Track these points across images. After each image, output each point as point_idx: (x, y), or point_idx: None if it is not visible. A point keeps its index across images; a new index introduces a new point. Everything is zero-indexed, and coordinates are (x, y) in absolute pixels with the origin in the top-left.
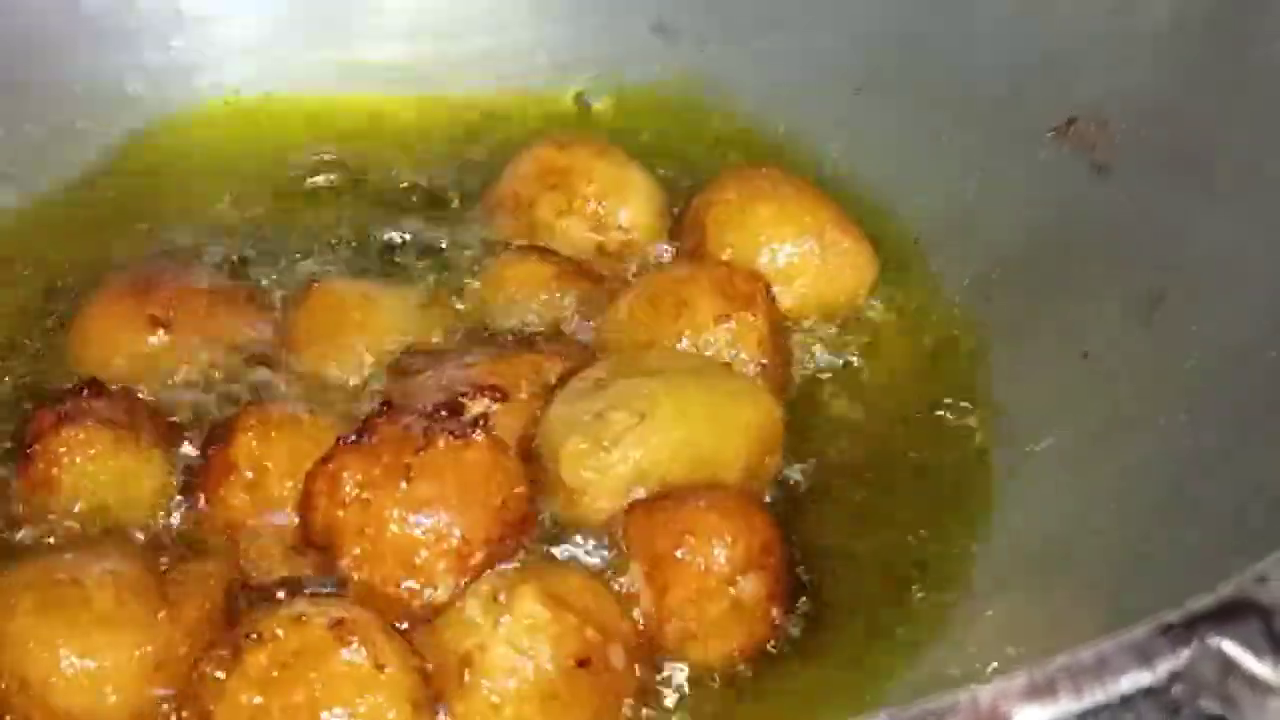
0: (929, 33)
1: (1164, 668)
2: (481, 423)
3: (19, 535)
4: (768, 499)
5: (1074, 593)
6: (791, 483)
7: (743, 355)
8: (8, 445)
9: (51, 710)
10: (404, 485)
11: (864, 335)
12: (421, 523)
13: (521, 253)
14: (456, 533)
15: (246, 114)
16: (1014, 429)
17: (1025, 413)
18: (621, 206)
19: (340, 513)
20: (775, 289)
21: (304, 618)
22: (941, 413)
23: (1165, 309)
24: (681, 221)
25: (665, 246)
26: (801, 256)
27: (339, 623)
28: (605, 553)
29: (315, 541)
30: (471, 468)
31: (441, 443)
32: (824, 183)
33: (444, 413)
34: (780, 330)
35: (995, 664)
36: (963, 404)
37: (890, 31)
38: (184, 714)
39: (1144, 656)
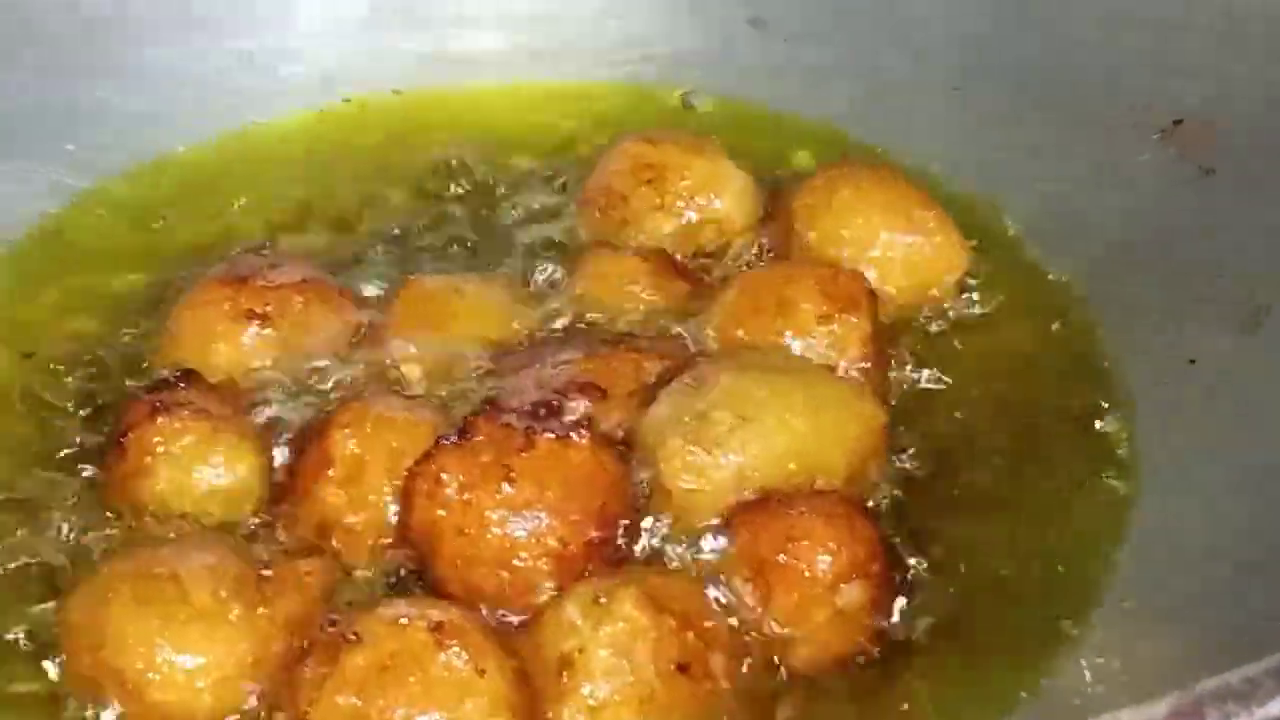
0: (1030, 30)
1: None
2: (584, 423)
3: (111, 527)
4: (874, 503)
5: (1197, 606)
6: (898, 488)
7: (845, 357)
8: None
9: (146, 705)
10: (505, 486)
11: (967, 334)
12: (522, 524)
13: (615, 249)
14: (557, 535)
15: (333, 106)
16: (1130, 432)
17: (1133, 417)
18: (715, 201)
19: (440, 513)
20: (863, 271)
21: (403, 620)
22: (1051, 413)
23: (1273, 320)
24: (771, 213)
25: (760, 242)
26: (888, 238)
27: (439, 626)
28: (706, 557)
29: (413, 541)
30: (573, 469)
31: (543, 444)
32: (920, 180)
33: (544, 412)
34: (882, 331)
35: (1125, 682)
36: (1072, 404)
37: (990, 29)
38: (279, 714)
39: None
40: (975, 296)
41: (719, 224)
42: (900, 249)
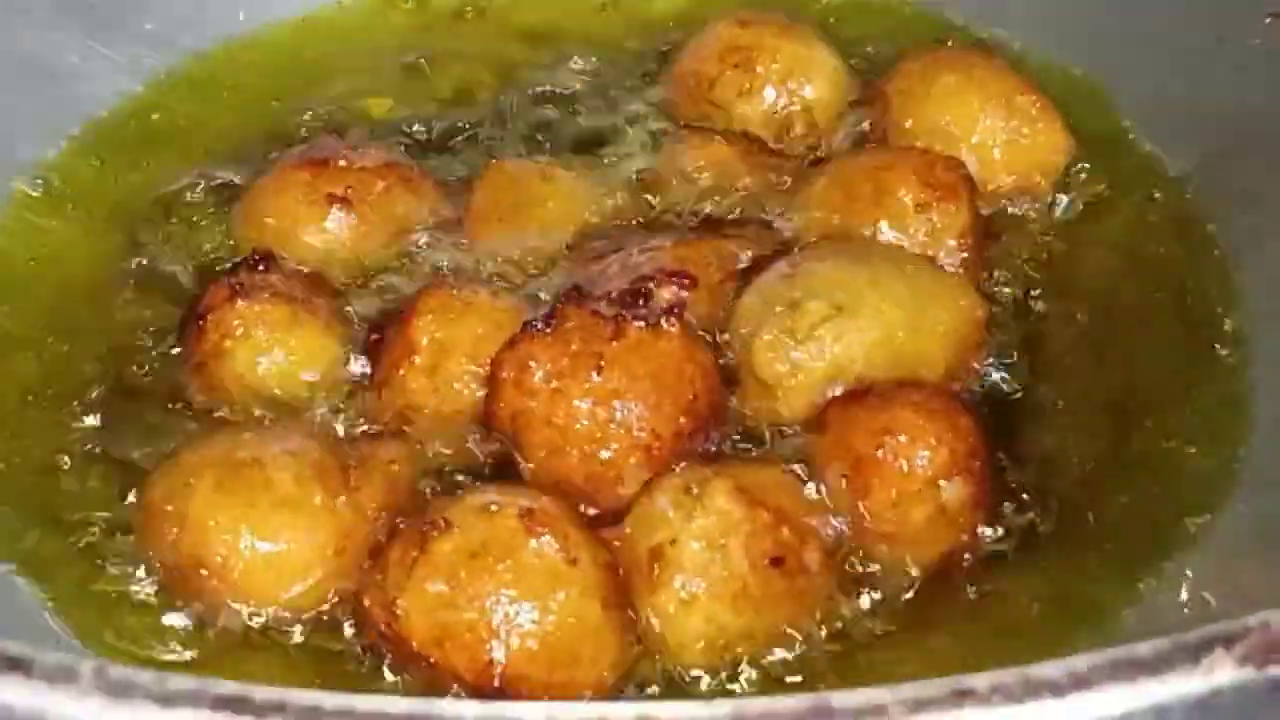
0: None
1: None
2: (675, 311)
3: (190, 410)
4: (976, 400)
5: None
6: (1001, 383)
7: (942, 247)
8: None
9: (228, 592)
10: (595, 375)
11: (1071, 225)
12: (612, 414)
13: (703, 133)
14: (647, 426)
15: None
16: (1247, 327)
17: (1248, 312)
18: (806, 86)
19: (527, 401)
20: (964, 159)
21: (493, 507)
22: (1161, 309)
23: None
24: (866, 99)
25: (855, 128)
26: (988, 124)
27: (529, 513)
28: (800, 450)
29: (499, 429)
30: (664, 358)
31: (633, 332)
32: (1024, 65)
33: (633, 299)
34: (982, 221)
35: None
36: (1192, 297)
37: None
38: (366, 600)
39: None
40: (1081, 186)
41: (810, 109)
42: (1001, 137)
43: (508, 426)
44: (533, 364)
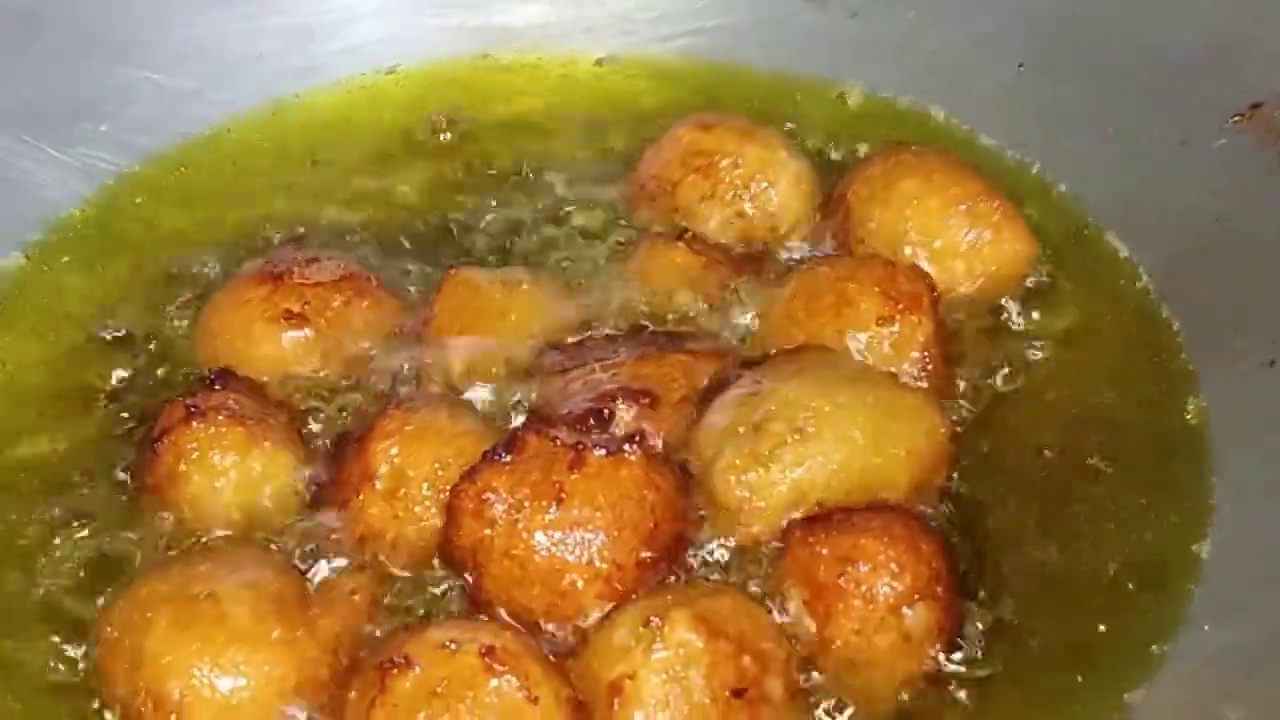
0: (1100, 8)
1: None
2: (635, 437)
3: (145, 536)
4: (939, 517)
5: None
6: (965, 496)
7: (906, 360)
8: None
9: None
10: (554, 507)
11: (1036, 327)
12: (571, 546)
13: (667, 241)
14: (608, 556)
15: (374, 83)
16: (1199, 441)
17: (1209, 423)
18: (770, 190)
19: (486, 533)
20: (924, 267)
21: (453, 643)
22: (1131, 412)
23: None
24: (829, 201)
25: (819, 232)
26: (950, 231)
27: (490, 650)
28: (762, 576)
29: (459, 560)
30: (625, 487)
31: (593, 460)
32: (984, 165)
33: (594, 422)
34: (946, 330)
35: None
36: (1146, 408)
37: (1057, 5)
38: None
39: None
40: (1044, 290)
41: (774, 214)
42: (963, 243)
43: (468, 556)
44: (491, 495)
